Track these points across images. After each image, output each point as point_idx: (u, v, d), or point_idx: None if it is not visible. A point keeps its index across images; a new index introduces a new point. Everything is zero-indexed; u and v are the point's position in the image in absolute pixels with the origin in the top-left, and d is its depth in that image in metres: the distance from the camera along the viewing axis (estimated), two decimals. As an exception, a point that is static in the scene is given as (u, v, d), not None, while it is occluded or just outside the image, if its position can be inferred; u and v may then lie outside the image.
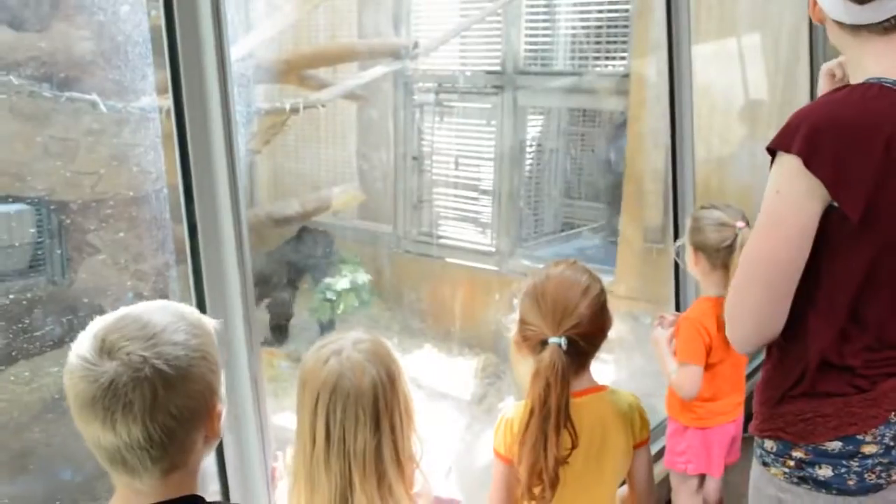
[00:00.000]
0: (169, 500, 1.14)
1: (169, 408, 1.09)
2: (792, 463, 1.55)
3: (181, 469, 1.15)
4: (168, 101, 1.65)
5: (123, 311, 1.17)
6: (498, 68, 6.02)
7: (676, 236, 3.37)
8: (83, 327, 1.18)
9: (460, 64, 6.32)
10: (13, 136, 3.00)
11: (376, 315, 5.68)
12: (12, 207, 4.51)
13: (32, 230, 4.68)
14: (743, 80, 5.07)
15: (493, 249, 6.09)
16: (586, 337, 1.63)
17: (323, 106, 4.47)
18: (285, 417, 1.88)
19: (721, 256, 2.39)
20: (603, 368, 4.70)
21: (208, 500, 1.18)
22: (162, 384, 1.08)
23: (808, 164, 1.38)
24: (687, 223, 2.56)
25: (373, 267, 6.36)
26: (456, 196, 6.35)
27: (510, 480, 1.70)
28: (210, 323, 1.23)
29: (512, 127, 5.97)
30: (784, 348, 1.53)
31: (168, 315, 1.16)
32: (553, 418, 1.57)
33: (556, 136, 6.26)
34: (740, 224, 2.38)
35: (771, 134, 1.48)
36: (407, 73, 6.18)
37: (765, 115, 5.29)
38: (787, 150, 1.40)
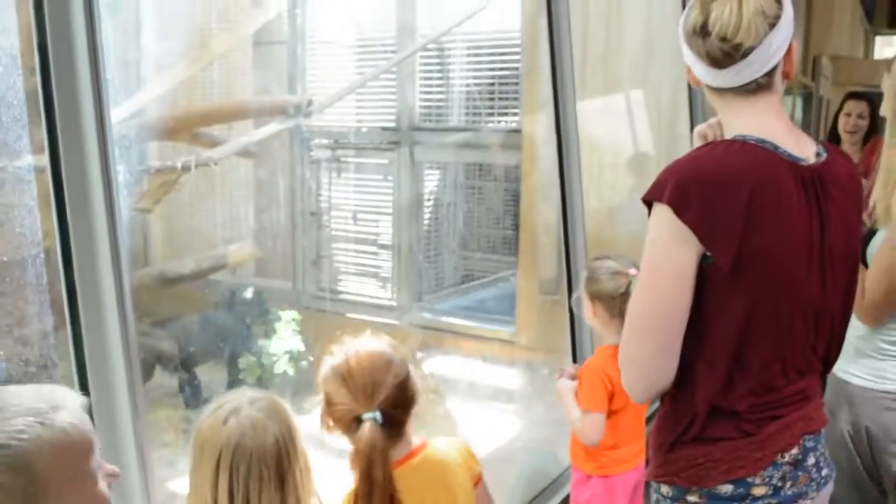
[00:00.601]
0: None
1: None
2: None
3: None
4: (45, 160, 1.60)
5: None
6: (393, 124, 6.09)
7: (570, 287, 3.45)
8: None
9: (356, 120, 6.37)
10: None
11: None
12: None
13: None
14: (630, 133, 5.27)
15: (394, 304, 6.08)
16: (399, 406, 1.62)
17: (215, 164, 4.41)
18: (181, 483, 1.81)
19: (617, 304, 2.45)
20: (503, 419, 4.74)
21: None
22: None
23: (678, 213, 1.44)
24: (582, 275, 2.62)
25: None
26: (355, 251, 6.34)
27: None
28: (55, 421, 1.07)
29: (409, 182, 6.03)
30: (675, 395, 1.58)
31: None
32: (378, 495, 1.55)
33: (453, 190, 6.35)
34: (633, 271, 2.45)
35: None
36: (303, 129, 6.18)
37: (651, 166, 5.49)
38: (659, 201, 1.46)
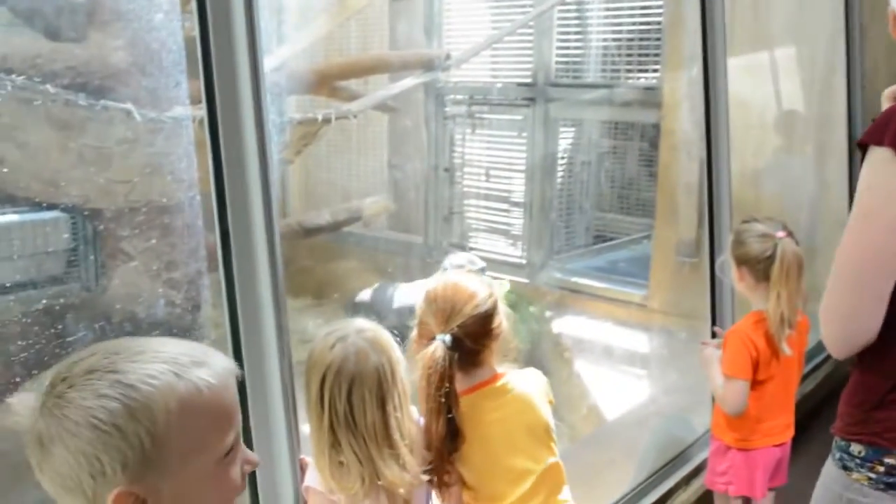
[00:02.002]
0: None
1: (42, 477, 0.93)
2: (881, 469, 1.53)
3: None
4: (201, 111, 1.65)
5: (120, 343, 0.96)
6: (529, 80, 6.00)
7: (712, 251, 3.33)
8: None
9: (491, 76, 6.31)
10: (49, 143, 3.03)
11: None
12: (47, 215, 4.56)
13: (67, 237, 4.73)
14: (777, 92, 5.01)
15: (525, 262, 6.05)
16: (472, 336, 1.78)
17: (354, 117, 4.46)
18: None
19: (763, 268, 2.36)
20: (636, 384, 4.66)
21: None
22: (39, 448, 0.92)
23: None
24: (729, 239, 2.53)
25: (402, 278, 6.35)
26: (487, 208, 6.33)
27: None
28: (191, 375, 0.95)
29: (543, 139, 5.93)
30: (880, 351, 1.51)
31: (124, 363, 0.92)
32: (434, 406, 1.72)
33: (588, 148, 6.22)
34: (780, 234, 2.35)
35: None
36: (438, 84, 6.17)
37: (801, 127, 5.21)
38: (879, 144, 1.41)
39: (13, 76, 2.82)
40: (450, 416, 1.72)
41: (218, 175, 1.63)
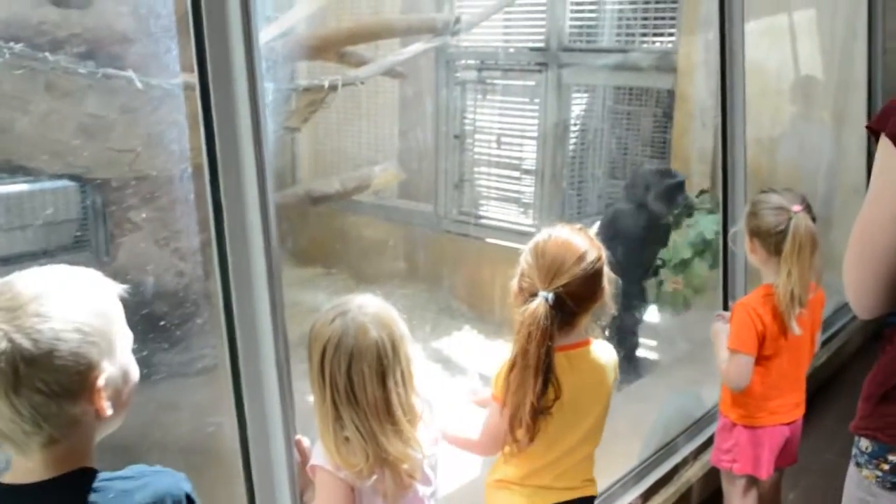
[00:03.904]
0: (54, 478, 1.12)
1: (34, 383, 1.07)
2: (886, 467, 1.47)
3: (62, 443, 1.12)
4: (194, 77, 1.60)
5: (8, 277, 1.14)
6: (542, 45, 5.90)
7: (725, 220, 3.26)
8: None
9: (503, 40, 6.21)
10: (49, 113, 2.99)
11: (413, 295, 5.61)
12: (57, 184, 4.56)
13: (76, 206, 4.73)
14: (795, 57, 4.90)
15: (535, 230, 5.98)
16: (575, 297, 1.73)
17: (362, 83, 4.40)
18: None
19: (775, 242, 2.29)
20: (644, 355, 4.62)
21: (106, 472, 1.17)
22: (22, 359, 1.06)
23: None
24: (743, 207, 2.46)
25: (412, 247, 6.32)
26: (498, 175, 6.26)
27: (501, 423, 1.81)
28: (102, 289, 1.20)
29: (556, 105, 5.85)
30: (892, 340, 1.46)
31: (47, 283, 1.13)
32: (533, 365, 1.69)
33: (600, 114, 6.13)
34: (796, 208, 2.28)
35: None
36: (449, 49, 6.08)
37: (819, 94, 5.11)
38: (883, 130, 1.36)
39: (11, 43, 2.77)
40: (548, 374, 1.70)
41: (210, 146, 1.59)
